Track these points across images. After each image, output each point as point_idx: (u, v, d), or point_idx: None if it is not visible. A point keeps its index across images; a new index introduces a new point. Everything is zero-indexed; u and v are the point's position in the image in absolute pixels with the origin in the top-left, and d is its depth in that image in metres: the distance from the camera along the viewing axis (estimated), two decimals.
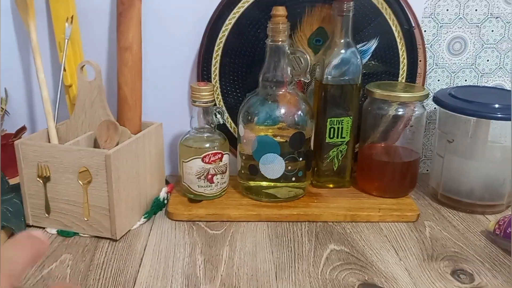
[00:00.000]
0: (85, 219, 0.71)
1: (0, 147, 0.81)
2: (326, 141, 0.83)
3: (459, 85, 0.91)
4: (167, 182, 0.86)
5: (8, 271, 0.30)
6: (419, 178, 0.86)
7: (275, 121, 0.78)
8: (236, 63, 0.86)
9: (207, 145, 0.78)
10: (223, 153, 0.79)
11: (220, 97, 0.87)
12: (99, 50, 0.87)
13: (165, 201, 0.81)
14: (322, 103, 0.81)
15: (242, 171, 0.82)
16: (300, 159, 0.79)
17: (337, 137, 0.83)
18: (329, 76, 0.79)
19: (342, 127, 0.82)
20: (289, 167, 0.78)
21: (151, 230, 0.74)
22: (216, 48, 0.85)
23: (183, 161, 0.79)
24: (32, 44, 0.79)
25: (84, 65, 0.78)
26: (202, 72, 0.86)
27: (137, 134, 0.75)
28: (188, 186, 0.80)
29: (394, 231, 0.75)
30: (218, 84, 0.87)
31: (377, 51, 0.86)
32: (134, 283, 0.61)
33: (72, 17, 0.81)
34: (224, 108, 0.88)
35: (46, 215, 0.72)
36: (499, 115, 0.74)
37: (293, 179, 0.79)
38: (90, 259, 0.66)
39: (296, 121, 0.78)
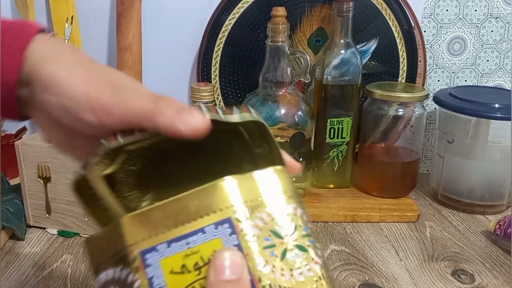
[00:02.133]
0: (86, 220, 0.71)
1: (0, 147, 0.81)
2: (326, 141, 0.83)
3: (459, 85, 0.91)
4: None
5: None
6: (419, 178, 0.86)
7: (275, 121, 0.78)
8: (236, 63, 0.86)
9: None
10: None
11: (220, 97, 0.87)
12: (99, 50, 0.87)
13: None
14: (322, 103, 0.81)
15: None
16: (301, 159, 0.79)
17: (337, 138, 0.83)
18: (329, 77, 0.79)
19: (342, 128, 0.82)
20: None
21: None
22: (216, 48, 0.85)
23: None
24: None
25: None
26: (202, 72, 0.86)
27: None
28: None
29: (395, 231, 0.75)
30: (218, 85, 0.87)
31: (377, 51, 0.86)
32: None
33: (72, 18, 0.81)
34: (224, 109, 0.88)
35: (47, 215, 0.72)
36: (499, 115, 0.74)
37: (293, 179, 0.79)
38: None
39: (296, 121, 0.78)
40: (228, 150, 0.37)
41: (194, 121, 0.30)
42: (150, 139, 0.33)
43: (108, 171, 0.33)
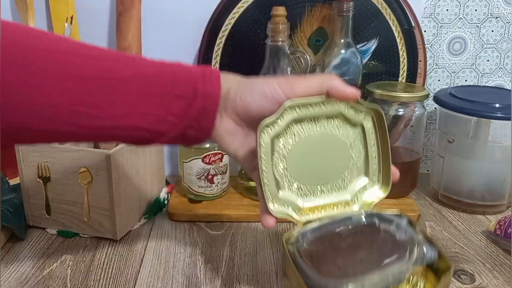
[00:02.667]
0: (86, 220, 0.71)
1: (0, 147, 0.81)
2: None
3: (459, 85, 0.91)
4: (167, 183, 0.86)
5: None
6: (420, 178, 0.86)
7: None
8: (236, 63, 0.86)
9: (207, 145, 0.78)
10: (224, 153, 0.79)
11: None
12: None
13: (166, 202, 0.81)
14: None
15: (243, 171, 0.82)
16: None
17: None
18: None
19: None
20: None
21: (151, 230, 0.74)
22: (216, 48, 0.85)
23: (183, 162, 0.79)
24: None
25: None
26: None
27: None
28: (189, 186, 0.80)
29: None
30: None
31: (377, 51, 0.86)
32: (135, 284, 0.61)
33: (71, 17, 0.81)
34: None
35: (47, 215, 0.72)
36: (500, 115, 0.74)
37: None
38: (91, 259, 0.66)
39: None
40: (346, 143, 0.54)
41: (353, 90, 0.50)
42: (312, 102, 0.50)
43: (276, 130, 0.50)
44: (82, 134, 0.47)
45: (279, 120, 0.50)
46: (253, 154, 0.51)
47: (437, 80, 0.92)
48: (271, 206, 0.51)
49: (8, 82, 0.42)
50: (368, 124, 0.53)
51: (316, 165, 0.53)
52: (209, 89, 0.49)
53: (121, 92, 0.46)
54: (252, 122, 0.51)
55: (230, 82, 0.51)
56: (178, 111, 0.48)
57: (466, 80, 0.92)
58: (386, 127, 0.53)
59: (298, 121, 0.51)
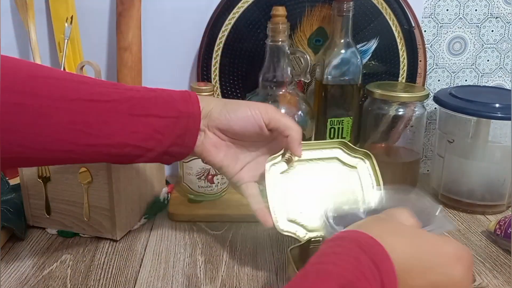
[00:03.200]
0: (86, 220, 0.71)
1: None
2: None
3: (459, 85, 0.91)
4: (167, 183, 0.86)
5: None
6: (420, 178, 0.86)
7: None
8: (236, 63, 0.86)
9: None
10: None
11: (220, 97, 0.87)
12: (99, 50, 0.87)
13: (166, 202, 0.81)
14: (322, 103, 0.81)
15: None
16: None
17: (338, 137, 0.82)
18: (329, 76, 0.79)
19: (342, 127, 0.82)
20: None
21: (151, 230, 0.74)
22: (216, 48, 0.85)
23: (183, 162, 0.79)
24: (32, 44, 0.79)
25: (84, 65, 0.77)
26: (202, 72, 0.86)
27: None
28: (189, 186, 0.80)
29: None
30: (218, 84, 0.87)
31: (377, 51, 0.86)
32: (135, 284, 0.61)
33: (71, 17, 0.81)
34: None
35: (47, 215, 0.72)
36: (500, 115, 0.74)
37: None
38: (91, 259, 0.66)
39: (296, 121, 0.77)
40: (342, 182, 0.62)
41: (300, 151, 0.59)
42: (313, 147, 0.62)
43: (281, 167, 0.60)
44: (79, 152, 0.52)
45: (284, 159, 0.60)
46: (236, 161, 0.60)
47: (437, 80, 0.92)
48: (279, 226, 0.58)
49: (17, 104, 0.48)
50: (361, 166, 0.62)
51: (317, 197, 0.60)
52: (191, 109, 0.56)
53: (111, 113, 0.53)
54: (234, 136, 0.59)
55: (212, 103, 0.58)
56: (164, 130, 0.55)
57: (466, 80, 0.92)
58: (377, 168, 0.62)
59: (301, 160, 0.60)
